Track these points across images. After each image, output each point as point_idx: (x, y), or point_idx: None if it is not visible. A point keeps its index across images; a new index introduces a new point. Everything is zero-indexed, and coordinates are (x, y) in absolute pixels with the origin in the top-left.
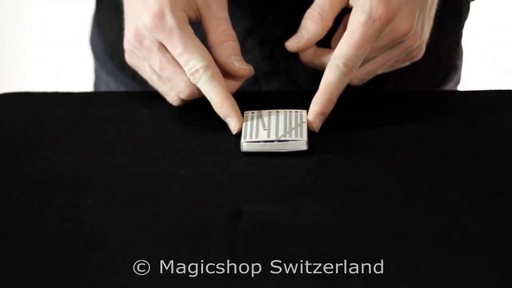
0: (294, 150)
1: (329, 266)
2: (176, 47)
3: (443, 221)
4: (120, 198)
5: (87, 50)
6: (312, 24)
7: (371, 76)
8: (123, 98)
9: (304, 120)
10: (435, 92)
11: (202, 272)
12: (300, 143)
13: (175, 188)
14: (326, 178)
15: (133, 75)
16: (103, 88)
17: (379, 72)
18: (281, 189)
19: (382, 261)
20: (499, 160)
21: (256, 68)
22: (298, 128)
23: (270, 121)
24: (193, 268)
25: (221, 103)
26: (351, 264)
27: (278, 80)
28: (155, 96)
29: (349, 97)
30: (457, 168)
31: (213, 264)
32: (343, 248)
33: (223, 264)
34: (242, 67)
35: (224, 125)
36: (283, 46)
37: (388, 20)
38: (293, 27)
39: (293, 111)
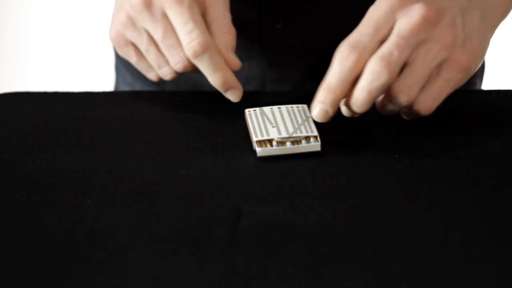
0: (309, 151)
1: (329, 266)
2: (182, 15)
3: (443, 221)
4: (120, 198)
5: (87, 51)
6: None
7: (434, 95)
8: (123, 98)
9: (309, 114)
10: None
11: (202, 272)
12: (315, 145)
13: (175, 188)
14: (326, 178)
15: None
16: (121, 81)
17: (438, 90)
18: (281, 189)
19: (382, 261)
20: (499, 160)
21: (262, 75)
22: (306, 123)
23: (276, 117)
24: (193, 268)
25: (224, 78)
26: (351, 264)
27: (283, 88)
28: (155, 96)
29: None
30: (457, 168)
31: (213, 264)
32: (343, 248)
33: (223, 264)
34: (236, 60)
35: (224, 125)
36: (290, 55)
37: (395, 3)
38: (301, 35)
39: (294, 106)
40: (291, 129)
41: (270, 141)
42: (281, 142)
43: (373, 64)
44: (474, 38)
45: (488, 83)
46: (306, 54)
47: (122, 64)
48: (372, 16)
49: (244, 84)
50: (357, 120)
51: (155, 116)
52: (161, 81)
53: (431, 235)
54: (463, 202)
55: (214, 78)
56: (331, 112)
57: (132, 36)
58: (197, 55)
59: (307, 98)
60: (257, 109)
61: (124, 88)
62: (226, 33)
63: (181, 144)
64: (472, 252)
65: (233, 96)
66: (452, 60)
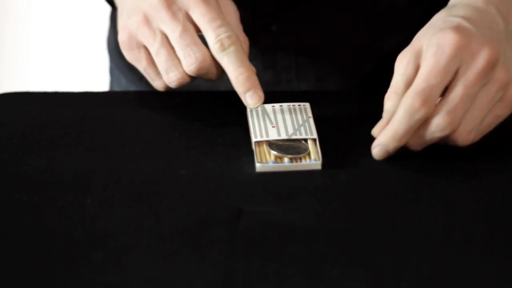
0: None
1: (329, 266)
2: (210, 13)
3: (443, 221)
4: (120, 198)
5: (87, 51)
6: (390, 103)
7: (482, 130)
8: (123, 98)
9: (310, 114)
10: None
11: (202, 272)
12: (315, 164)
13: (175, 188)
14: (326, 178)
15: (141, 76)
16: (115, 85)
17: (487, 126)
18: (281, 189)
19: (382, 261)
20: (500, 160)
21: (257, 76)
22: (306, 124)
23: (277, 117)
24: (193, 268)
25: (248, 74)
26: (351, 264)
27: (279, 89)
28: (155, 96)
29: (350, 97)
30: (457, 168)
31: (213, 264)
32: (343, 248)
33: (223, 264)
34: (252, 66)
35: (224, 125)
36: (285, 56)
37: (461, 45)
38: (296, 37)
39: (296, 104)
40: (290, 130)
41: (268, 143)
42: (279, 157)
43: (439, 119)
44: None
45: None
46: (301, 55)
47: (116, 67)
48: (440, 62)
49: None
50: (357, 120)
51: (155, 116)
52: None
53: (431, 235)
54: (463, 202)
55: (237, 73)
56: (391, 152)
57: (145, 36)
58: (224, 48)
59: (302, 98)
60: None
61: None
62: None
63: (181, 144)
64: (472, 252)
65: (253, 99)
66: (506, 98)
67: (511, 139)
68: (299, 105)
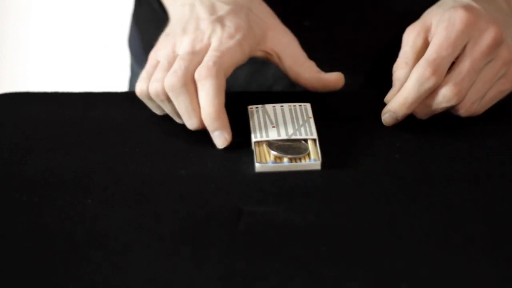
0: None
1: (329, 266)
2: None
3: (443, 221)
4: (120, 198)
5: (87, 51)
6: (401, 72)
7: (485, 103)
8: (123, 98)
9: (310, 115)
10: None
11: (202, 272)
12: (315, 164)
13: (175, 188)
14: (326, 178)
15: None
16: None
17: (489, 99)
18: (281, 189)
19: (382, 261)
20: (499, 160)
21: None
22: (306, 124)
23: (277, 117)
24: (193, 268)
25: (218, 114)
26: (351, 264)
27: (277, 90)
28: None
29: (350, 97)
30: (457, 168)
31: (213, 264)
32: (343, 248)
33: (223, 264)
34: (333, 76)
35: None
36: (318, 50)
37: (470, 22)
38: (328, 32)
39: (297, 104)
40: (290, 131)
41: (268, 143)
42: (279, 158)
43: (446, 89)
44: None
45: None
46: (333, 50)
47: (137, 64)
48: (450, 36)
49: (273, 84)
50: (357, 120)
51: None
52: None
53: (431, 235)
54: (463, 202)
55: (204, 112)
56: (399, 120)
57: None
58: (201, 80)
59: (302, 98)
60: (259, 106)
61: None
62: (310, 66)
63: (181, 144)
64: (472, 252)
65: (219, 139)
66: (508, 75)
67: (511, 139)
68: (300, 105)
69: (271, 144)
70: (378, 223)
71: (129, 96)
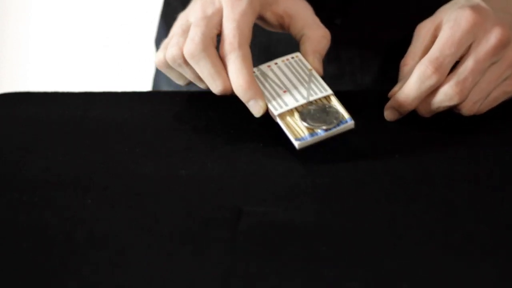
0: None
1: (329, 266)
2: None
3: (443, 221)
4: (120, 198)
5: (87, 51)
6: (407, 69)
7: (488, 103)
8: (123, 98)
9: (309, 67)
10: None
11: (202, 272)
12: (349, 124)
13: (175, 188)
14: (326, 178)
15: None
16: (163, 83)
17: (493, 100)
18: (281, 189)
19: (382, 261)
20: (499, 160)
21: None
22: (313, 79)
23: (281, 78)
24: (193, 268)
25: (248, 84)
26: (351, 264)
27: (341, 82)
28: (155, 96)
29: (350, 97)
30: (457, 168)
31: (213, 264)
32: (343, 248)
33: (223, 264)
34: (320, 69)
35: (224, 125)
36: (349, 49)
37: (476, 22)
38: (359, 30)
39: (289, 57)
40: (304, 92)
41: (300, 115)
42: (311, 129)
43: (448, 88)
44: None
45: None
46: (365, 47)
47: None
48: (455, 35)
49: None
50: (357, 120)
51: (155, 116)
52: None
53: (431, 235)
54: (463, 202)
55: (236, 84)
56: (401, 116)
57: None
58: (226, 55)
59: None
60: (255, 69)
61: (167, 88)
62: (322, 36)
63: (181, 144)
64: (472, 252)
65: (253, 108)
66: None
67: (511, 140)
68: (293, 57)
69: (303, 114)
70: (378, 223)
71: (129, 96)
